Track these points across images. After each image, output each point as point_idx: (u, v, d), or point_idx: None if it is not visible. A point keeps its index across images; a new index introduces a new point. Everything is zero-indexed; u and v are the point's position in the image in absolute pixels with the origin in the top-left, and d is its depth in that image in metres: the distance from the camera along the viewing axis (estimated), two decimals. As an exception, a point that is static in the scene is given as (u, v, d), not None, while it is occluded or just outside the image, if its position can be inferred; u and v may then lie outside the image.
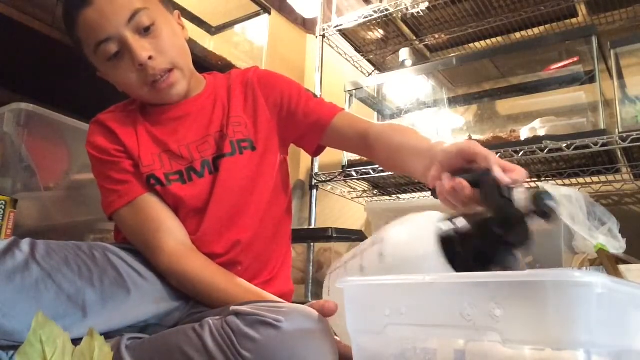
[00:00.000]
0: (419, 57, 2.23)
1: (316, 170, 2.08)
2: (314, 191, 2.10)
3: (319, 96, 2.12)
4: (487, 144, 1.71)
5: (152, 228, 0.91)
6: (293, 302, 0.77)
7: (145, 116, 1.01)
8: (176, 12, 1.02)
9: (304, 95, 1.05)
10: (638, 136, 1.44)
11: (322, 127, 1.01)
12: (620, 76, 1.57)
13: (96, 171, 0.98)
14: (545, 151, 1.56)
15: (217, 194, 0.95)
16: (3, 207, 1.17)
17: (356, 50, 2.29)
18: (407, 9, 1.96)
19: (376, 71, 2.38)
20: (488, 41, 2.04)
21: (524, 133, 1.69)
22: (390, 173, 1.84)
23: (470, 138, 1.81)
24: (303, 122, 1.03)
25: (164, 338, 0.74)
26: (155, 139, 0.98)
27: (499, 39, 2.02)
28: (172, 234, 0.91)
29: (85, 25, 0.90)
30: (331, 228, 1.73)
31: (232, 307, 0.70)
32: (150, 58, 0.90)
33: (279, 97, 1.03)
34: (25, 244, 0.78)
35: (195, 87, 1.03)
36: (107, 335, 0.77)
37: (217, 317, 0.70)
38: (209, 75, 1.09)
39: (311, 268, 2.08)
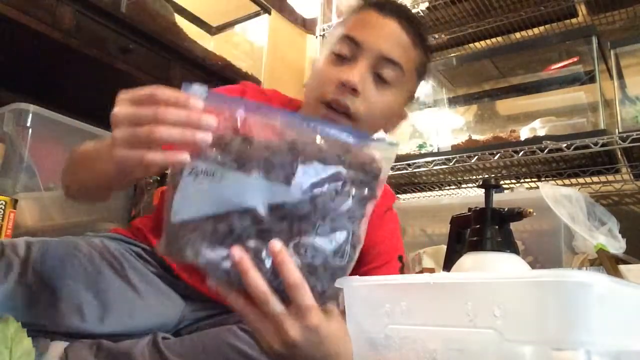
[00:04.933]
0: (419, 57, 2.22)
1: (316, 170, 2.08)
2: (314, 191, 2.09)
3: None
4: (487, 144, 1.71)
5: None
6: None
7: None
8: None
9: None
10: (638, 136, 1.44)
11: None
12: (620, 76, 1.57)
13: None
14: (545, 151, 1.56)
15: None
16: (3, 207, 1.17)
17: (356, 50, 2.28)
18: (407, 9, 1.96)
19: (376, 71, 2.37)
20: (488, 41, 2.04)
21: (524, 133, 1.69)
22: (390, 173, 1.83)
23: (470, 138, 1.81)
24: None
25: (208, 336, 0.74)
26: None
27: (499, 39, 2.01)
28: None
29: (360, 22, 0.81)
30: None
31: None
32: (354, 91, 0.75)
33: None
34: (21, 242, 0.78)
35: None
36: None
37: None
38: None
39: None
